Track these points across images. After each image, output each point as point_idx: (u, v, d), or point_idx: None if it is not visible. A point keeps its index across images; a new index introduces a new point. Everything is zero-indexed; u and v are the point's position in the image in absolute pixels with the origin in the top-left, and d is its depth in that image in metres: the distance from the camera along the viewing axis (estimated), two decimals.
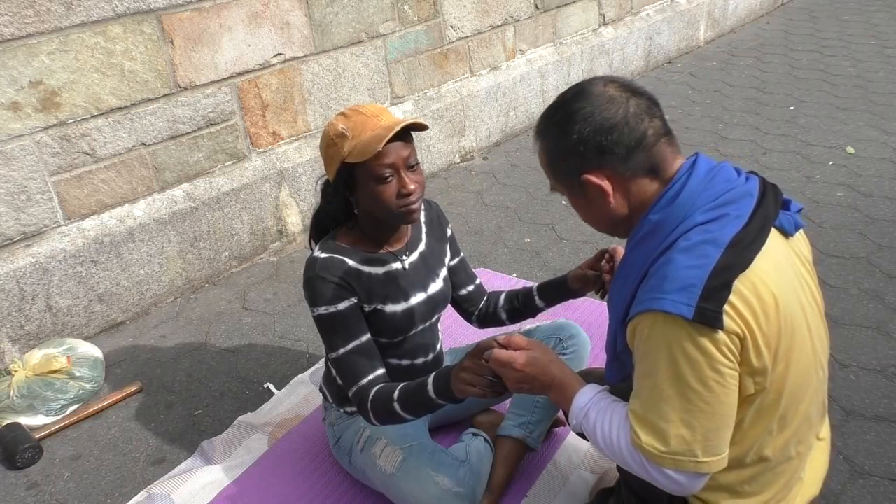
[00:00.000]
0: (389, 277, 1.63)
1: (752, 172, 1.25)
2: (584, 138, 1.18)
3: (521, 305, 1.84)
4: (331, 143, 1.51)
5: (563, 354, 1.82)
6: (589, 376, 1.56)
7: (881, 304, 2.47)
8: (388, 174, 1.47)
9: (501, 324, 1.89)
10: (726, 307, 1.04)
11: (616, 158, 1.17)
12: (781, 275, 1.12)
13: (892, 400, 2.04)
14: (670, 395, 1.08)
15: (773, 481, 1.20)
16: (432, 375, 1.46)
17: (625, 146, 1.17)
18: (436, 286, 1.72)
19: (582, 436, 1.28)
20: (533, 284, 1.83)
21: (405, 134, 1.48)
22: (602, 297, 1.71)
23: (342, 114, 1.53)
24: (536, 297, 1.80)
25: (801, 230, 1.26)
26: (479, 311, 1.89)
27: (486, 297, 1.90)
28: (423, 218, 1.77)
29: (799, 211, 1.25)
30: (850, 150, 3.71)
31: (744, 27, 6.18)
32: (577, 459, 1.89)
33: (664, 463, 1.10)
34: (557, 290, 1.77)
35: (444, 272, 1.78)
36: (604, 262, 1.67)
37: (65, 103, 2.42)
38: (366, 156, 1.44)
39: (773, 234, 1.15)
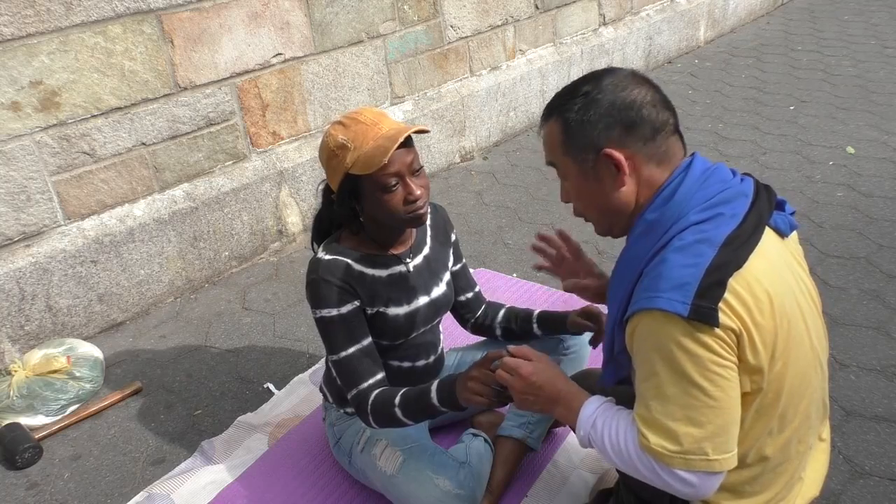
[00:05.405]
0: (393, 280, 1.63)
1: (746, 174, 1.25)
2: (616, 108, 1.16)
3: (517, 329, 1.84)
4: (332, 155, 1.50)
5: (564, 355, 1.82)
6: (589, 376, 1.56)
7: (881, 304, 2.47)
8: (393, 183, 1.47)
9: (494, 338, 1.90)
10: (721, 304, 1.05)
11: (639, 139, 1.17)
12: (776, 273, 1.12)
13: (892, 400, 2.04)
14: (674, 394, 1.08)
15: (773, 481, 1.20)
16: (436, 383, 1.46)
17: (650, 126, 1.17)
18: (439, 290, 1.72)
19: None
20: (534, 311, 1.84)
21: (406, 139, 1.47)
22: (594, 346, 1.75)
23: (340, 123, 1.51)
24: (535, 325, 1.82)
25: (795, 232, 1.26)
26: (476, 319, 1.89)
27: (483, 306, 1.90)
28: (428, 221, 1.75)
29: (792, 213, 1.25)
30: (851, 150, 3.71)
31: (744, 27, 6.17)
32: (577, 459, 1.90)
33: (674, 463, 1.10)
34: (556, 325, 1.80)
35: (447, 276, 1.77)
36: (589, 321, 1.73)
37: (65, 103, 2.42)
38: (371, 168, 1.43)
39: (768, 234, 1.16)
